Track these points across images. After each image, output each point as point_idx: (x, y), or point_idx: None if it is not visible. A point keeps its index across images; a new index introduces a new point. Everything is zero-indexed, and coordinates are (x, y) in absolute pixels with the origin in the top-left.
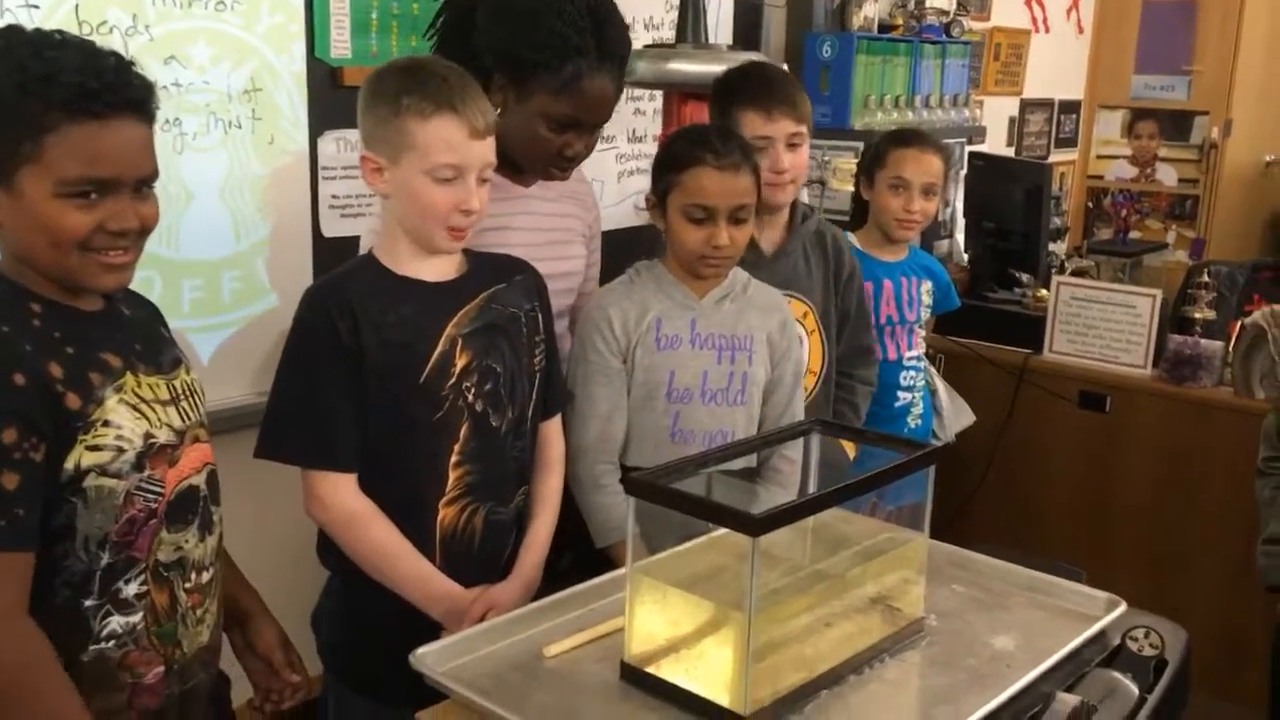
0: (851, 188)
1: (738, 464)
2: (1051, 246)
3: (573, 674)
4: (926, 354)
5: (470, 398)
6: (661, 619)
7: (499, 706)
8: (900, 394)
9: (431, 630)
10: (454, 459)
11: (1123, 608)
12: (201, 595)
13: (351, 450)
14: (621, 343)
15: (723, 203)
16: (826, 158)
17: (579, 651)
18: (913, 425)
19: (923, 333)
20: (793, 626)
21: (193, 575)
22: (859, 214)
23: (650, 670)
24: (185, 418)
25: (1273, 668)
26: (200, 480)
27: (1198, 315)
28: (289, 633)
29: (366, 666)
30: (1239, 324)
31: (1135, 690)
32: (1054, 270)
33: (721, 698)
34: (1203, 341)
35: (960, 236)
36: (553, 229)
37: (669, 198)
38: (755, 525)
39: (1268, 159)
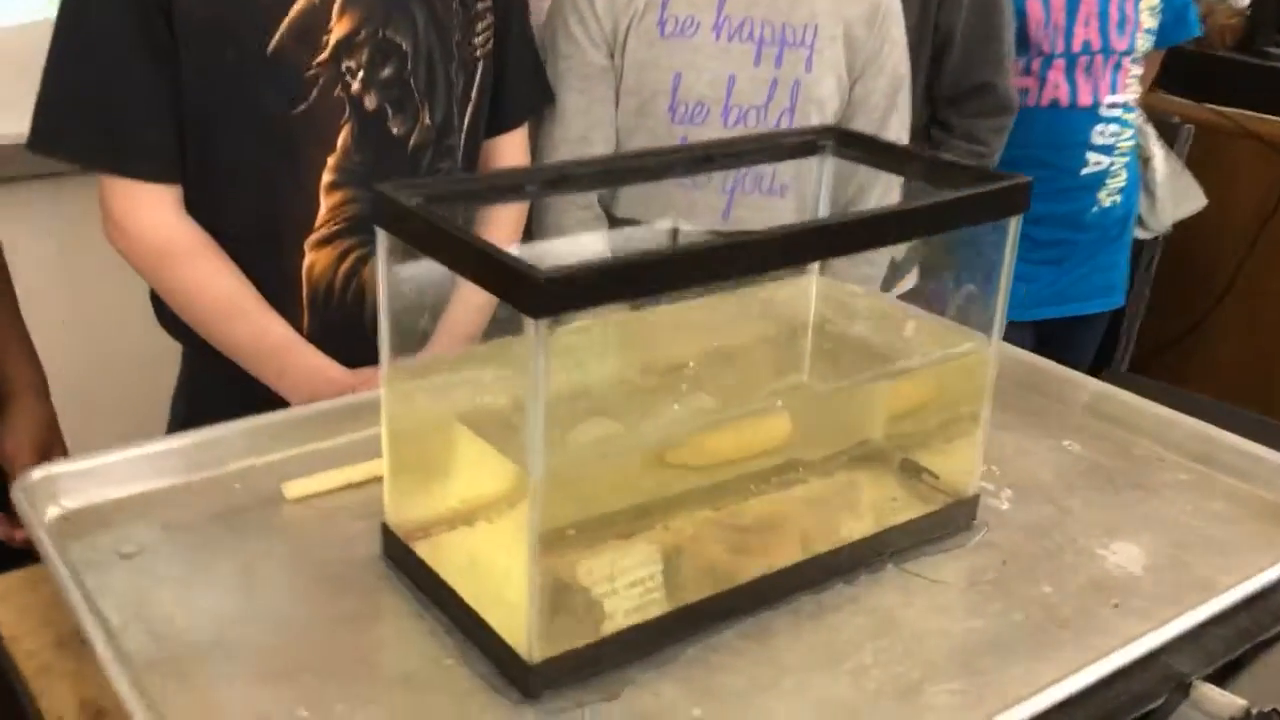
0: None
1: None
2: None
3: (313, 534)
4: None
5: (356, 86)
6: (437, 468)
7: (106, 634)
8: (1091, 156)
9: None
10: (327, 178)
11: None
12: None
13: (158, 149)
14: (606, 26)
15: None
16: None
17: (338, 497)
18: (1106, 204)
19: (1137, 71)
20: (687, 488)
21: None
22: None
23: (418, 551)
24: None
25: None
26: None
27: None
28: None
29: None
30: None
31: None
32: None
33: (509, 630)
34: None
35: None
36: None
37: None
38: (535, 294)
39: None
